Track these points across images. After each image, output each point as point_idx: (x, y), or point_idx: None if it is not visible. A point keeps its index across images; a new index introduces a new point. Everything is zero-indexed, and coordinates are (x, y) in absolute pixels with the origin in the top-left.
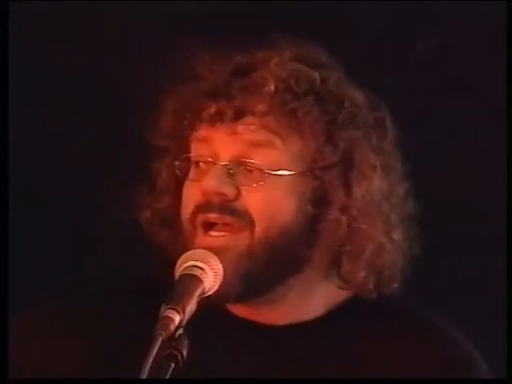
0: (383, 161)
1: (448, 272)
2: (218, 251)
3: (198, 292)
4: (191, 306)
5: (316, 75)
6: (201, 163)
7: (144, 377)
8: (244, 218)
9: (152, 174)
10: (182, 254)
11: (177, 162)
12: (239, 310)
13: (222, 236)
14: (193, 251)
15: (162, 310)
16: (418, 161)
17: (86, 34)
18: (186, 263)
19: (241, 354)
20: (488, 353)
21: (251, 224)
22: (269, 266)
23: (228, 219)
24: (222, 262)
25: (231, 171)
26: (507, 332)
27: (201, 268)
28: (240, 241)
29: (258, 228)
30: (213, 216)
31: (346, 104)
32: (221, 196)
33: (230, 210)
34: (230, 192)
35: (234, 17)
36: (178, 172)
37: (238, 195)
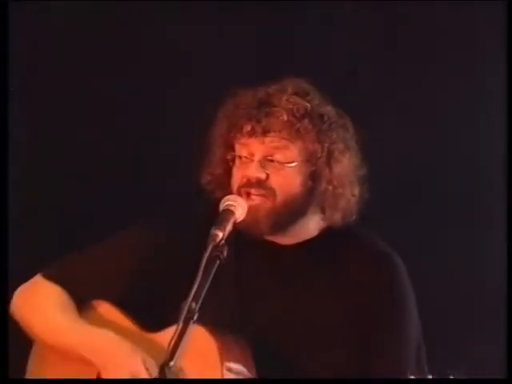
0: (347, 145)
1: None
2: (254, 209)
3: (232, 219)
4: (229, 227)
5: (307, 104)
6: (242, 158)
7: (201, 270)
8: (270, 191)
9: (210, 155)
10: None
11: (228, 157)
12: (268, 237)
13: (257, 200)
14: (229, 196)
15: (212, 230)
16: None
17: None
18: (225, 202)
19: (266, 262)
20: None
21: (274, 194)
22: (285, 216)
23: (261, 192)
24: (257, 215)
25: (263, 164)
26: (507, 332)
27: (233, 205)
28: (267, 203)
29: (279, 197)
30: (252, 190)
31: (325, 118)
32: (257, 179)
33: (262, 187)
34: (262, 176)
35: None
36: (230, 162)
37: (268, 178)
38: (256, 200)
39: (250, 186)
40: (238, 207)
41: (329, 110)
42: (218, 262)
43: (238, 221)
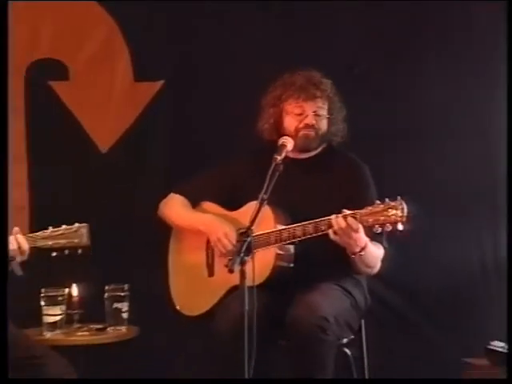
0: (340, 100)
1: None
2: (310, 138)
3: (285, 149)
4: (284, 154)
5: (331, 82)
6: (296, 113)
7: (268, 178)
8: (316, 130)
9: (264, 112)
10: None
11: (278, 112)
12: (297, 156)
13: (311, 135)
14: (284, 137)
15: (274, 155)
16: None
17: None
18: (282, 140)
19: (296, 169)
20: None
21: (318, 131)
22: (321, 142)
23: (312, 131)
24: (310, 141)
25: (313, 116)
26: (507, 332)
27: (286, 141)
28: (315, 136)
29: (319, 132)
30: (307, 130)
31: (333, 87)
32: (312, 124)
33: (312, 128)
34: (314, 123)
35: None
36: (281, 116)
37: (317, 123)
38: (311, 134)
39: (307, 128)
40: (289, 143)
41: (329, 81)
42: (277, 173)
43: (289, 150)
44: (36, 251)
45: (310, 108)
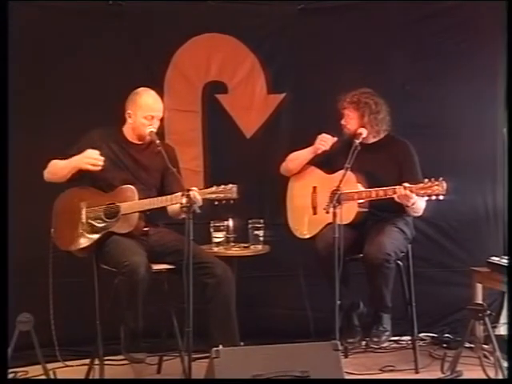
0: (384, 107)
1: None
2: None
3: (361, 136)
4: (360, 139)
5: (368, 90)
6: (350, 119)
7: (351, 153)
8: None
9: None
10: None
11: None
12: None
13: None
14: (361, 127)
15: (355, 140)
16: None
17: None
18: (358, 130)
19: (364, 150)
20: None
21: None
22: (374, 133)
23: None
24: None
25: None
26: (507, 332)
27: (362, 132)
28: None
29: (365, 124)
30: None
31: (374, 97)
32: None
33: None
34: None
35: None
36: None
37: (362, 118)
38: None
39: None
40: (364, 132)
41: (369, 100)
42: (356, 151)
43: (364, 136)
44: (206, 201)
45: (353, 112)
